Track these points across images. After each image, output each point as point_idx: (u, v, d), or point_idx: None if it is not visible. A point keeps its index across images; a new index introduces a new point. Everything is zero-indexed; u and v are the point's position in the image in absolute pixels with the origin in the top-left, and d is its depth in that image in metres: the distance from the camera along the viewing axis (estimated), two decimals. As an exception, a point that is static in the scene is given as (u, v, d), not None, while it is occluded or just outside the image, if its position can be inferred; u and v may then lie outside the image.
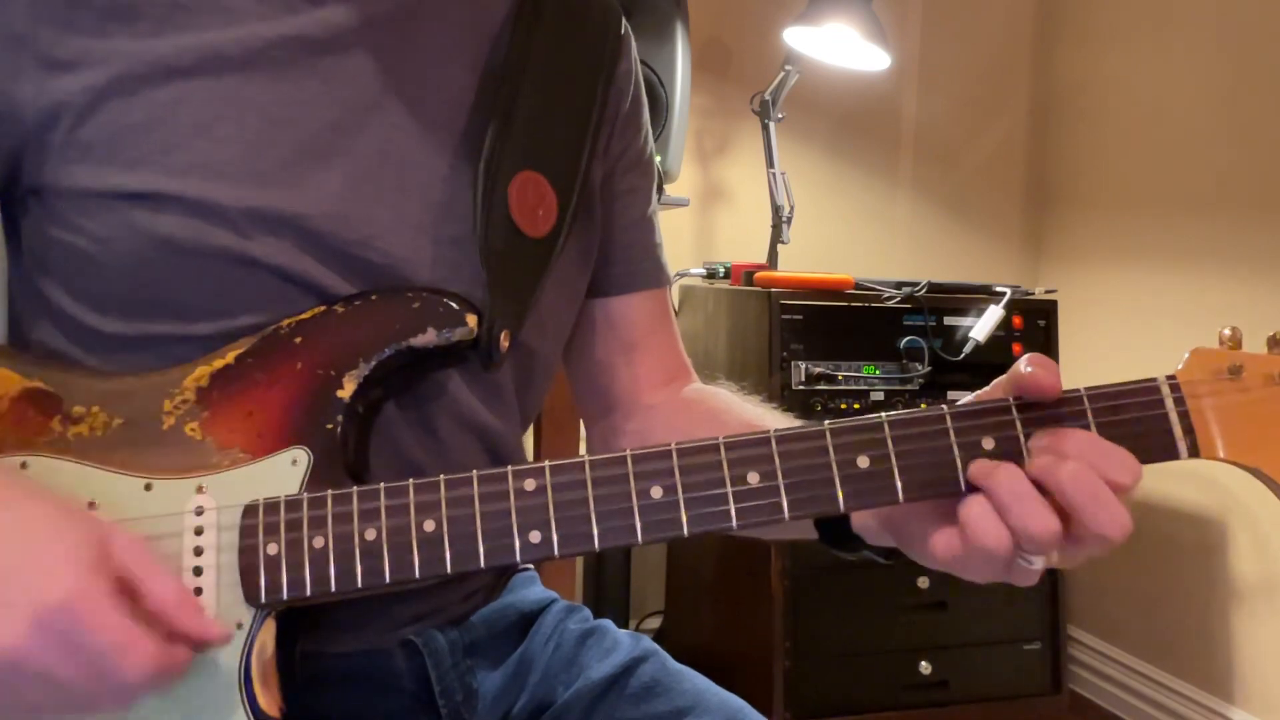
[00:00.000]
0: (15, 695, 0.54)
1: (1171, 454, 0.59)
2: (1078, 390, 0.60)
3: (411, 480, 0.63)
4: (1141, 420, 0.59)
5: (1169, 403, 0.59)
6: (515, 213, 0.74)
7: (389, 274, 0.72)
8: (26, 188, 0.70)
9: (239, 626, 0.62)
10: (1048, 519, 0.55)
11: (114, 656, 0.54)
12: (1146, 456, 0.59)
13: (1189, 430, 0.59)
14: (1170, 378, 0.60)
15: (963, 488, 0.59)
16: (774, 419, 0.80)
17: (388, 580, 0.62)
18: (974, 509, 0.57)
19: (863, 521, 0.67)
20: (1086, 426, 0.59)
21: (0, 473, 0.60)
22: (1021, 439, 0.59)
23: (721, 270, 2.15)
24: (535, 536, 0.61)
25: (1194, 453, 0.59)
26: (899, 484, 0.60)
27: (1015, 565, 0.57)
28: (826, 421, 0.61)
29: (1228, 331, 0.60)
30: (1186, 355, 0.60)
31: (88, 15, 0.67)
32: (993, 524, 0.56)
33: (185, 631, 0.57)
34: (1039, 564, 0.56)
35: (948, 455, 0.60)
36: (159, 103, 0.67)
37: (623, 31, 0.87)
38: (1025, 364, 0.59)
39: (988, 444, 0.59)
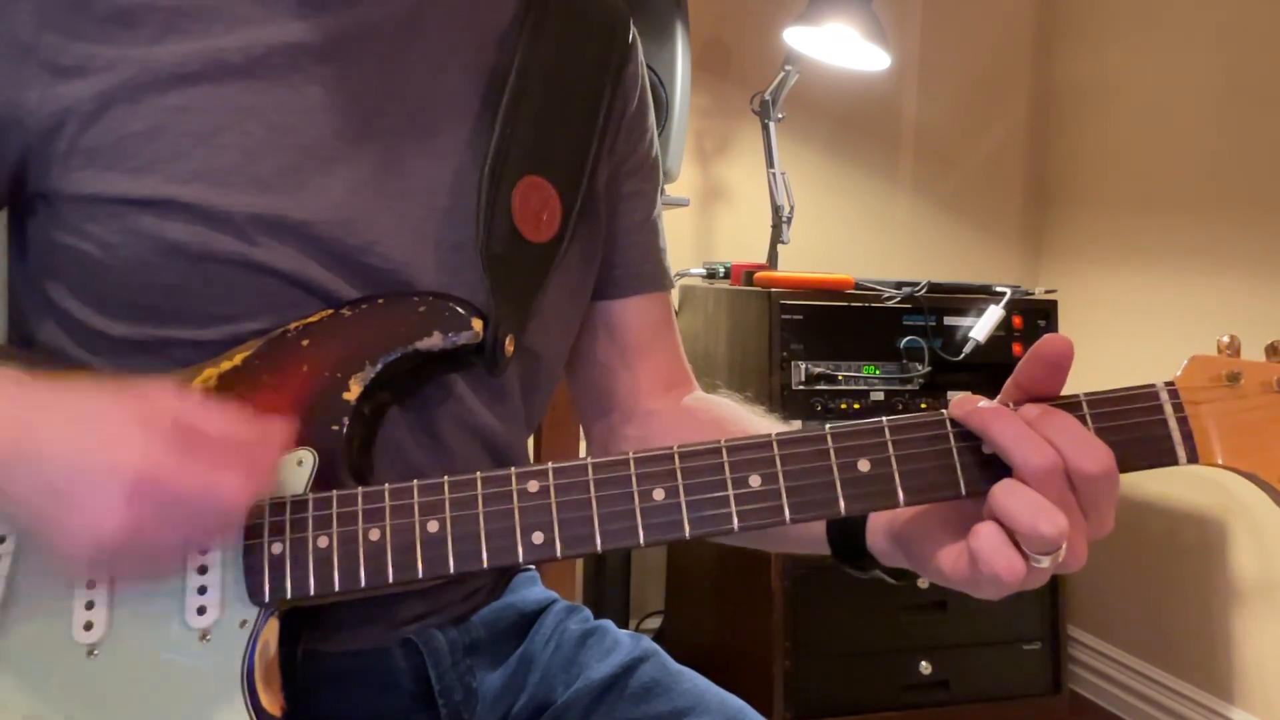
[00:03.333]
0: (133, 562, 0.58)
1: (1170, 460, 0.60)
2: (1076, 395, 0.60)
3: (415, 481, 0.63)
4: (1141, 426, 0.59)
5: (1168, 409, 0.60)
6: (518, 218, 0.75)
7: (392, 279, 0.72)
8: (33, 192, 0.70)
9: (242, 625, 0.62)
10: (1055, 516, 0.56)
11: (209, 497, 0.57)
12: (1145, 462, 0.59)
13: (1188, 436, 0.59)
14: (1169, 384, 0.60)
15: (963, 491, 0.60)
16: (778, 429, 0.80)
17: (391, 580, 0.62)
18: (984, 542, 0.57)
19: (875, 542, 0.68)
20: None
21: (28, 380, 0.61)
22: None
23: (721, 270, 2.15)
24: (538, 537, 0.62)
25: (1192, 459, 0.59)
26: (899, 487, 0.60)
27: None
28: (827, 425, 0.62)
29: (1226, 339, 0.61)
30: (1185, 362, 0.60)
31: (91, 22, 0.67)
32: (1004, 554, 0.57)
33: (254, 446, 0.60)
34: (1046, 562, 0.57)
35: (948, 459, 0.60)
36: (163, 109, 0.67)
37: (630, 38, 0.87)
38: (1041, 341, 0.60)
39: (987, 448, 0.60)
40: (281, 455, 0.62)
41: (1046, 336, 0.59)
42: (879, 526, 0.68)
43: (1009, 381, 0.61)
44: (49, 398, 0.59)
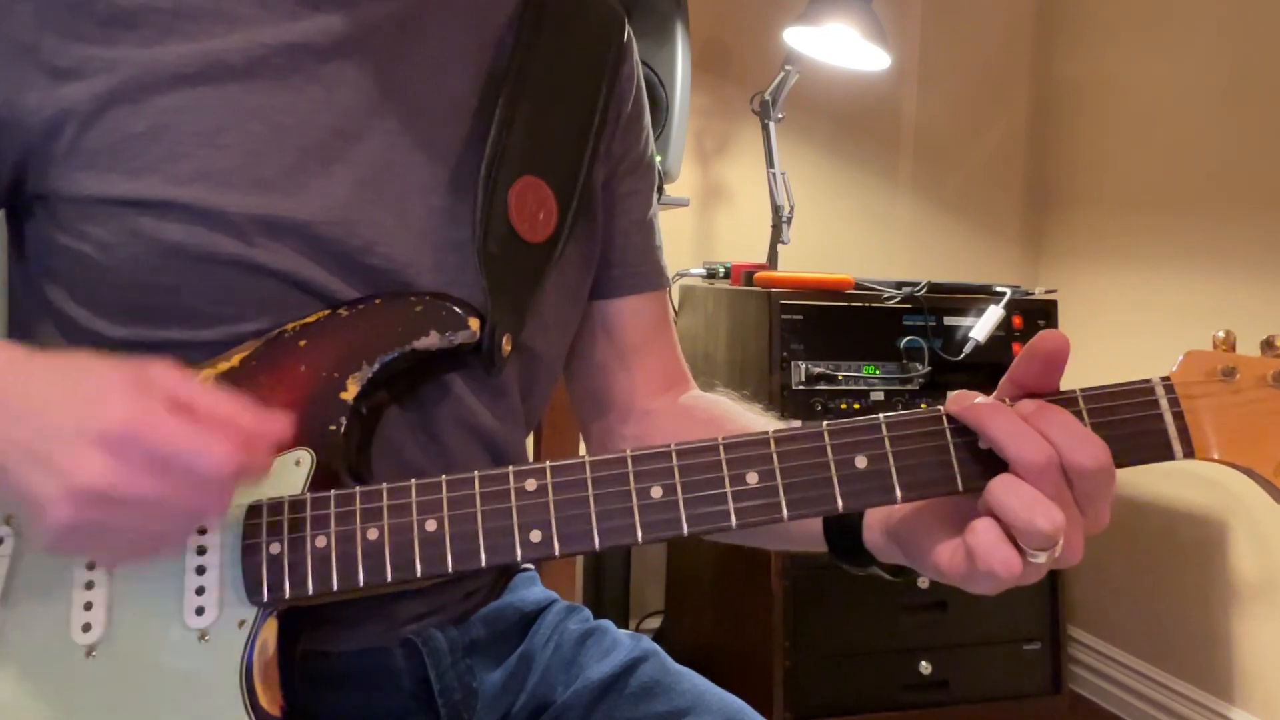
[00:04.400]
0: (121, 526, 0.55)
1: (1166, 455, 0.60)
2: (1073, 391, 0.60)
3: (414, 480, 0.63)
4: (1137, 421, 0.59)
5: (1164, 404, 0.60)
6: (515, 218, 0.75)
7: (391, 279, 0.72)
8: (32, 194, 0.70)
9: (241, 625, 0.62)
10: (1050, 511, 0.55)
11: (195, 457, 0.54)
12: (1142, 457, 0.59)
13: (1183, 431, 0.59)
14: (1165, 379, 0.60)
15: (960, 487, 0.60)
16: (776, 426, 0.80)
17: (389, 579, 0.62)
18: (981, 539, 0.57)
19: (872, 538, 0.68)
20: None
21: (22, 348, 0.60)
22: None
23: (721, 270, 2.15)
24: (536, 536, 0.62)
25: (1189, 454, 0.59)
26: (896, 484, 0.60)
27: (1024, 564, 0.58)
28: (824, 422, 0.62)
29: (1221, 334, 0.61)
30: (1180, 357, 0.60)
31: (91, 23, 0.67)
32: (1001, 550, 0.57)
33: (246, 429, 0.57)
34: (1043, 558, 0.57)
35: (944, 455, 0.60)
36: (163, 110, 0.67)
37: (625, 38, 0.87)
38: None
39: (984, 443, 0.60)
40: (277, 447, 0.60)
41: (1042, 332, 0.59)
42: (875, 523, 0.68)
43: (1005, 377, 0.61)
44: (44, 362, 0.58)
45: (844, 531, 0.70)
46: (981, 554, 0.57)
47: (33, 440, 0.54)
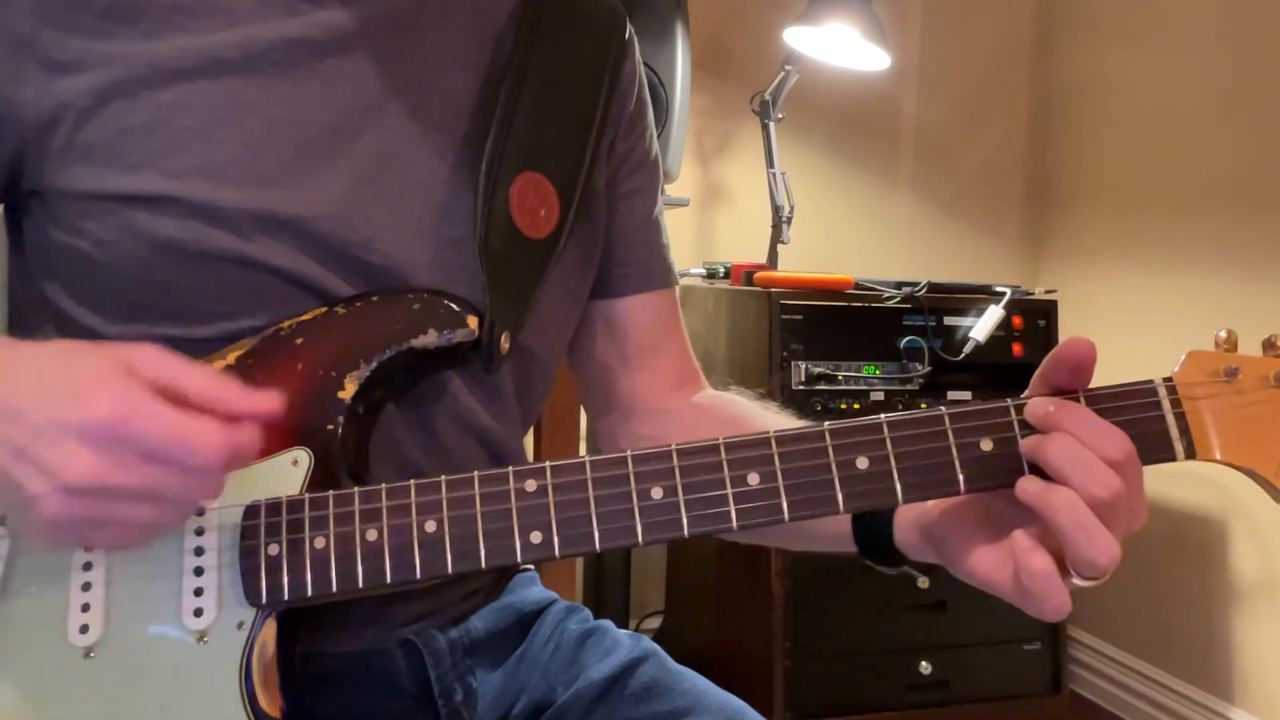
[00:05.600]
0: (114, 517, 0.54)
1: (1168, 455, 0.60)
2: (1075, 392, 0.60)
3: (413, 481, 0.63)
4: (1138, 422, 0.59)
5: (1165, 404, 0.60)
6: (516, 214, 0.75)
7: (389, 276, 0.72)
8: (28, 190, 0.70)
9: (239, 626, 0.62)
10: (1111, 548, 0.56)
11: (183, 447, 0.53)
12: (1144, 458, 0.59)
13: (1185, 432, 0.59)
14: (1167, 379, 0.60)
15: (962, 489, 0.60)
16: (794, 425, 0.80)
17: (389, 580, 0.62)
18: (1041, 584, 0.58)
19: (904, 538, 0.68)
20: None
21: (10, 342, 0.60)
22: (1018, 440, 0.60)
23: (721, 270, 2.14)
24: (536, 537, 0.62)
25: (1190, 454, 0.59)
26: (898, 485, 0.60)
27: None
28: (826, 423, 0.61)
29: (1223, 334, 0.60)
30: (1183, 357, 0.60)
31: (89, 17, 0.67)
32: (1057, 597, 0.58)
33: (236, 411, 0.56)
34: (1087, 584, 0.58)
35: (946, 456, 0.60)
36: (160, 105, 0.67)
37: (627, 35, 0.87)
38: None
39: (986, 445, 0.60)
40: (272, 432, 0.59)
41: (1070, 339, 0.60)
42: (907, 522, 0.68)
43: (1035, 376, 0.61)
44: (28, 354, 0.57)
45: (873, 534, 0.70)
46: (1035, 597, 0.58)
47: (20, 438, 0.53)
